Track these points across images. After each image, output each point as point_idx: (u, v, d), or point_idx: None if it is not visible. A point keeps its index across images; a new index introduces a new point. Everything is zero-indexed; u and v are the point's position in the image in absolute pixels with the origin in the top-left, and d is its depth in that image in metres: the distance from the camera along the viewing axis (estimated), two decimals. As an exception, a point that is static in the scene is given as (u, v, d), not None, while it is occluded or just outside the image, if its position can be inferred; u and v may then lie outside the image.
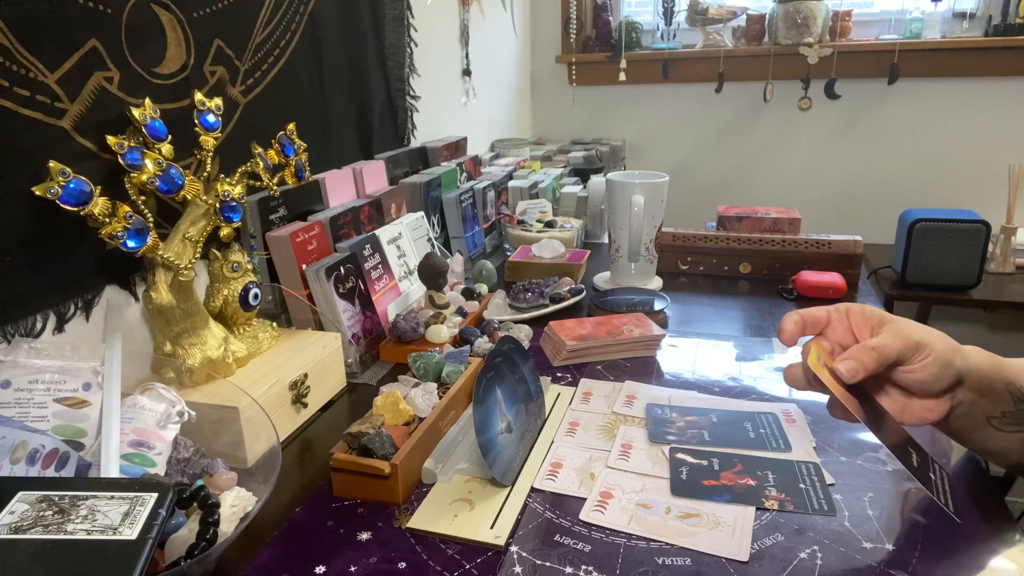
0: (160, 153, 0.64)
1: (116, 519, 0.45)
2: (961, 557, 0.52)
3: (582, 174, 1.79)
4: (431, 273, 0.93)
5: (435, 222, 1.19)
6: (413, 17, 1.30)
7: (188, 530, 0.50)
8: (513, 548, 0.54)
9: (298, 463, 0.68)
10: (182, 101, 0.74)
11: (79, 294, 0.66)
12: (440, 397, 0.70)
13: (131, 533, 0.44)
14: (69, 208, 0.57)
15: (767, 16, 2.03)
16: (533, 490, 0.61)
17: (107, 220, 0.59)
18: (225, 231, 0.71)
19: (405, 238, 1.04)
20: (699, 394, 0.78)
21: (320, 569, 0.52)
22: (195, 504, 0.52)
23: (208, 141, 0.70)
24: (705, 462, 0.64)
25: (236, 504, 0.54)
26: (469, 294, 1.01)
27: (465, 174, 1.35)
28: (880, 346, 0.51)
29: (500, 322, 0.93)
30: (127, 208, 0.61)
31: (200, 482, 0.53)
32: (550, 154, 1.95)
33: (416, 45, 1.32)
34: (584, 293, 1.05)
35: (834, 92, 2.00)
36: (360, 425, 0.62)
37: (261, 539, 0.56)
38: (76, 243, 0.64)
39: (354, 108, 1.12)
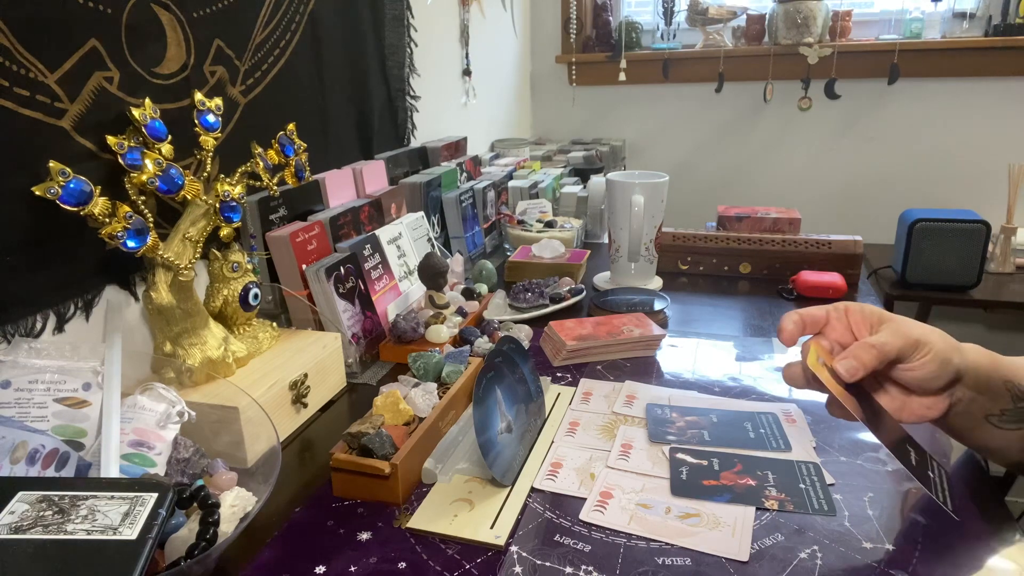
0: (160, 153, 0.64)
1: (116, 519, 0.45)
2: (961, 557, 0.52)
3: (582, 174, 1.79)
4: (431, 273, 0.93)
5: (435, 222, 1.19)
6: (413, 17, 1.30)
7: (188, 530, 0.50)
8: (513, 548, 0.54)
9: (298, 463, 0.68)
10: (182, 101, 0.74)
11: (79, 294, 0.66)
12: (440, 397, 0.70)
13: (131, 533, 0.44)
14: (69, 208, 0.57)
15: (767, 16, 2.03)
16: (533, 490, 0.61)
17: (107, 220, 0.59)
18: (225, 231, 0.71)
19: (405, 238, 1.04)
20: (699, 394, 0.78)
21: (320, 569, 0.52)
22: (195, 504, 0.52)
23: (208, 141, 0.70)
24: (705, 462, 0.64)
25: (236, 504, 0.54)
26: (469, 294, 1.01)
27: (465, 174, 1.35)
28: (880, 344, 0.52)
29: (500, 322, 0.93)
30: (127, 208, 0.61)
31: (200, 482, 0.53)
32: (550, 154, 1.95)
33: (416, 45, 1.32)
34: (584, 293, 1.05)
35: (834, 92, 2.00)
36: (360, 425, 0.62)
37: (261, 539, 0.56)
38: (76, 243, 0.64)
39: (354, 108, 1.12)
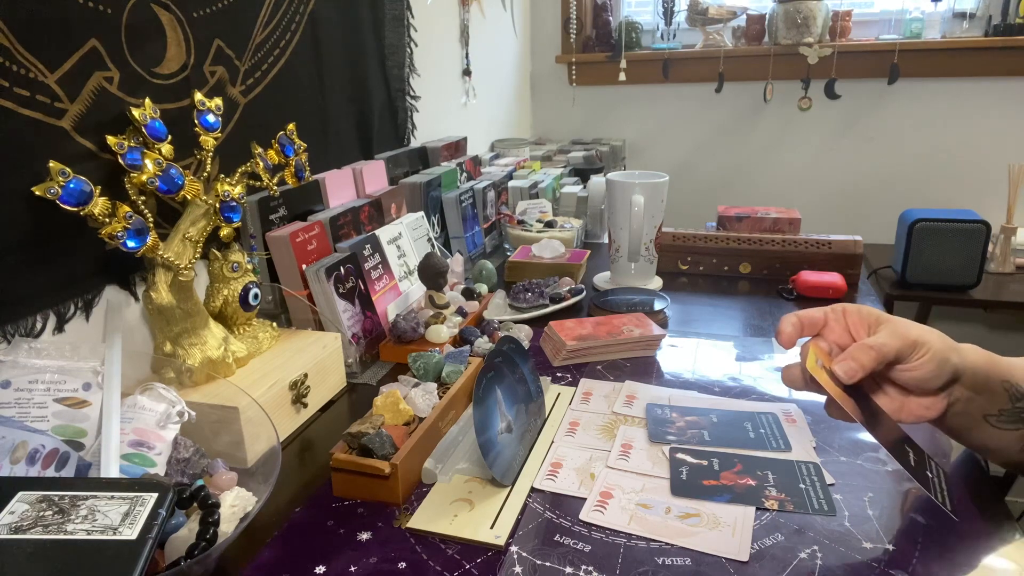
0: (160, 153, 0.64)
1: (116, 519, 0.45)
2: (961, 557, 0.52)
3: (582, 174, 1.79)
4: (431, 273, 0.93)
5: (435, 222, 1.19)
6: (413, 17, 1.30)
7: (188, 530, 0.50)
8: (513, 548, 0.54)
9: (298, 463, 0.68)
10: (182, 101, 0.74)
11: (79, 294, 0.66)
12: (440, 397, 0.70)
13: (131, 533, 0.44)
14: (69, 208, 0.57)
15: (767, 16, 2.03)
16: (533, 490, 0.61)
17: (107, 220, 0.59)
18: (225, 231, 0.71)
19: (405, 238, 1.04)
20: (699, 394, 0.78)
21: (320, 569, 0.52)
22: (195, 504, 0.52)
23: (208, 141, 0.70)
24: (705, 462, 0.64)
25: (236, 504, 0.54)
26: (469, 294, 1.01)
27: (465, 174, 1.35)
28: (878, 345, 0.52)
29: (500, 322, 0.93)
30: (127, 208, 0.61)
31: (200, 482, 0.53)
32: (550, 154, 1.95)
33: (416, 45, 1.32)
34: (584, 293, 1.05)
35: (834, 92, 2.00)
36: (360, 425, 0.62)
37: (261, 539, 0.56)
38: (76, 243, 0.64)
39: (354, 108, 1.12)
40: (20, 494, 0.46)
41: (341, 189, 1.02)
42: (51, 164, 0.55)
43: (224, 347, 0.70)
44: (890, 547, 0.53)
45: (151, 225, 0.63)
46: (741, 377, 0.82)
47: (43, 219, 0.60)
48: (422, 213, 1.12)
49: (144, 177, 0.62)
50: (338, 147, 1.08)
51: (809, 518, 0.56)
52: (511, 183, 1.48)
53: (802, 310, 0.57)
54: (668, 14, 2.12)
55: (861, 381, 0.53)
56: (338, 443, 0.62)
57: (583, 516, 0.57)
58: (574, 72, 2.24)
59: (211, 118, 0.71)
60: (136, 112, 0.64)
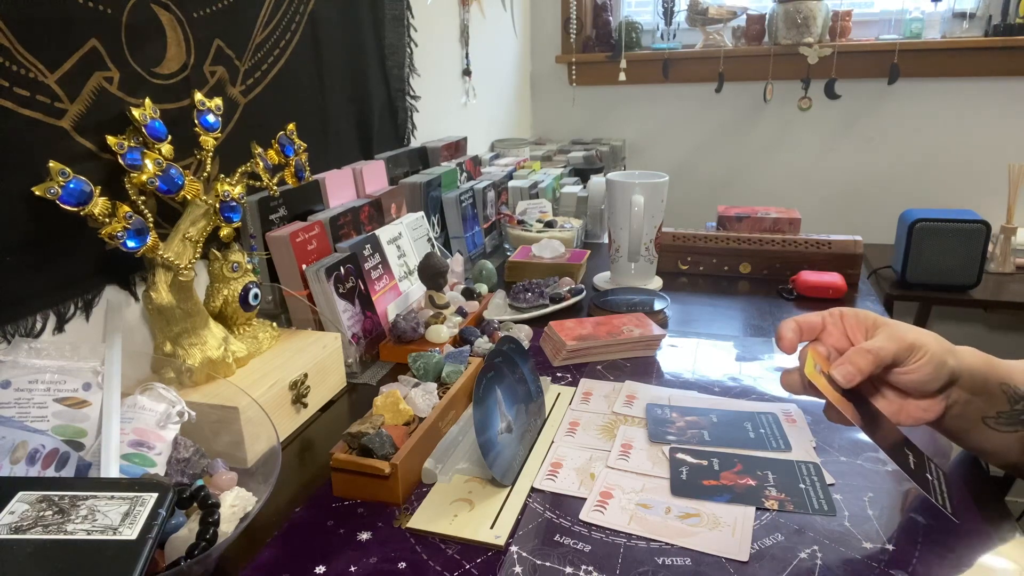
0: (160, 153, 0.64)
1: (116, 519, 0.45)
2: (961, 557, 0.52)
3: (582, 174, 1.79)
4: (431, 273, 0.93)
5: (435, 222, 1.19)
6: (413, 17, 1.30)
7: (188, 530, 0.50)
8: (513, 548, 0.54)
9: (298, 463, 0.68)
10: (182, 101, 0.74)
11: (79, 294, 0.66)
12: (440, 397, 0.70)
13: (131, 533, 0.44)
14: (69, 208, 0.57)
15: (767, 16, 2.03)
16: (533, 490, 0.61)
17: (107, 220, 0.59)
18: (225, 231, 0.71)
19: (405, 238, 1.04)
20: (699, 394, 0.78)
21: (320, 569, 0.52)
22: (195, 504, 0.52)
23: (208, 141, 0.70)
24: (705, 462, 0.64)
25: (236, 504, 0.54)
26: (469, 294, 1.01)
27: (465, 174, 1.35)
28: (876, 348, 0.52)
29: (500, 322, 0.93)
30: (127, 208, 0.61)
31: (200, 482, 0.53)
32: (550, 154, 1.95)
33: (416, 45, 1.32)
34: (584, 293, 1.05)
35: (834, 92, 2.00)
36: (360, 425, 0.62)
37: (261, 539, 0.56)
38: (76, 243, 0.64)
39: (354, 108, 1.12)
40: (20, 494, 0.46)
41: (341, 189, 1.02)
42: (51, 164, 0.55)
43: (224, 347, 0.70)
44: (890, 547, 0.53)
45: (151, 225, 0.63)
46: (741, 377, 0.82)
47: (43, 219, 0.60)
48: (422, 213, 1.12)
49: (144, 177, 0.62)
50: (338, 147, 1.08)
51: (809, 518, 0.56)
52: (511, 183, 1.48)
53: (800, 315, 0.57)
54: (668, 14, 2.12)
55: (859, 385, 0.53)
56: (338, 443, 0.62)
57: (583, 516, 0.57)
58: (574, 72, 2.24)
59: (211, 118, 0.71)
60: (136, 112, 0.64)
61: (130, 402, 0.59)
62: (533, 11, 2.27)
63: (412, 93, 1.32)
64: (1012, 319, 2.03)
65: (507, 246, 1.36)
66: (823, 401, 0.55)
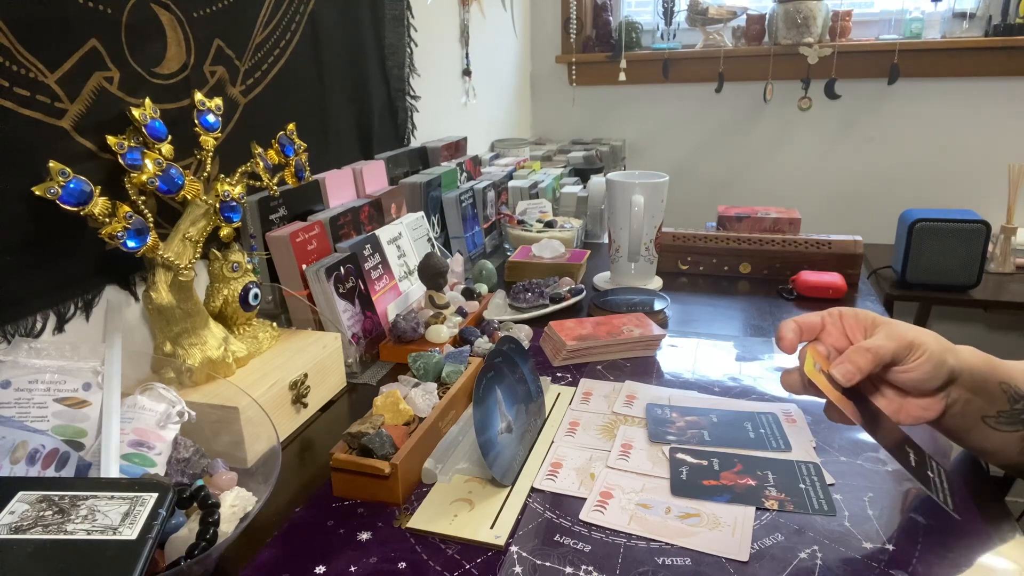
0: (160, 153, 0.64)
1: (116, 519, 0.45)
2: (961, 556, 0.52)
3: (582, 174, 1.79)
4: (431, 273, 0.93)
5: (435, 222, 1.19)
6: (413, 17, 1.30)
7: (188, 530, 0.50)
8: (513, 548, 0.54)
9: (298, 463, 0.68)
10: (182, 101, 0.74)
11: (79, 294, 0.66)
12: (440, 397, 0.70)
13: (131, 533, 0.44)
14: (69, 208, 0.57)
15: (767, 16, 2.03)
16: (533, 490, 0.61)
17: (107, 220, 0.59)
18: (225, 231, 0.71)
19: (405, 238, 1.04)
20: (699, 394, 0.78)
21: (320, 569, 0.52)
22: (195, 504, 0.52)
23: (208, 141, 0.70)
24: (705, 462, 0.64)
25: (236, 504, 0.54)
26: (469, 294, 1.01)
27: (465, 174, 1.35)
28: (875, 347, 0.52)
29: (500, 322, 0.93)
30: (127, 208, 0.61)
31: (200, 482, 0.53)
32: (550, 154, 1.95)
33: (416, 45, 1.32)
34: (584, 293, 1.05)
35: (834, 92, 2.00)
36: (360, 425, 0.62)
37: (261, 539, 0.56)
38: (76, 243, 0.64)
39: (354, 108, 1.12)
40: (20, 494, 0.46)
41: (341, 189, 1.02)
42: (51, 164, 0.55)
43: (224, 347, 0.70)
44: (890, 547, 0.53)
45: (151, 225, 0.63)
46: (741, 377, 0.82)
47: (43, 219, 0.60)
48: (422, 213, 1.12)
49: (144, 177, 0.62)
50: (338, 147, 1.08)
51: (809, 518, 0.56)
52: (511, 183, 1.48)
53: (799, 315, 0.57)
54: (668, 14, 2.12)
55: (859, 384, 0.53)
56: (338, 443, 0.62)
57: (583, 516, 0.57)
58: (574, 72, 2.24)
59: (211, 118, 0.71)
60: (136, 112, 0.64)
61: (130, 402, 0.59)
62: (533, 11, 2.27)
63: (412, 93, 1.32)
64: (1012, 319, 2.03)
65: (507, 246, 1.36)
66: (823, 401, 0.55)
